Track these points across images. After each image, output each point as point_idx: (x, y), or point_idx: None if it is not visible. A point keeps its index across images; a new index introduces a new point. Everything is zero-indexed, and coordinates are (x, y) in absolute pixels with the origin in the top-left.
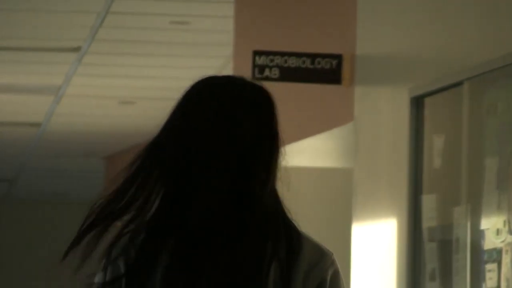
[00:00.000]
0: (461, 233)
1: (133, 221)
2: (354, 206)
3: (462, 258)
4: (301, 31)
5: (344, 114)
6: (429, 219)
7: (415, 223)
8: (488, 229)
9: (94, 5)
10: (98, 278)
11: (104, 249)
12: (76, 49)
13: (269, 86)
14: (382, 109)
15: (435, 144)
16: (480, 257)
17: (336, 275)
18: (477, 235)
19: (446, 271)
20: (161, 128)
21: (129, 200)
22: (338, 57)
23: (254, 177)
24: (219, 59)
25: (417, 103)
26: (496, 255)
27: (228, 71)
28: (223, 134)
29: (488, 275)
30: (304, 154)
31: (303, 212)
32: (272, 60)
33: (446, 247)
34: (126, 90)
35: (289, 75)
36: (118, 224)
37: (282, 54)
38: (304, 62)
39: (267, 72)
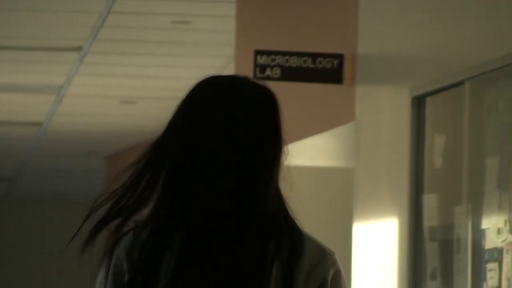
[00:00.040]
0: (462, 232)
1: (131, 219)
2: (355, 205)
3: (463, 258)
4: (303, 30)
5: (345, 114)
6: (430, 219)
7: (416, 222)
8: (489, 228)
9: (96, 5)
10: (100, 277)
11: (107, 247)
12: (78, 49)
13: (271, 85)
14: (383, 109)
15: (436, 143)
16: (481, 256)
17: (337, 275)
18: (478, 234)
19: (447, 271)
20: (165, 127)
21: (138, 197)
22: (340, 57)
23: (257, 177)
24: (220, 58)
25: (418, 102)
26: (497, 255)
27: (229, 70)
28: (225, 134)
29: (489, 274)
30: (305, 154)
31: (304, 211)
32: (273, 60)
33: (447, 247)
34: (127, 90)
35: (290, 74)
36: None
37: (284, 53)
38: (305, 61)
39: (268, 72)
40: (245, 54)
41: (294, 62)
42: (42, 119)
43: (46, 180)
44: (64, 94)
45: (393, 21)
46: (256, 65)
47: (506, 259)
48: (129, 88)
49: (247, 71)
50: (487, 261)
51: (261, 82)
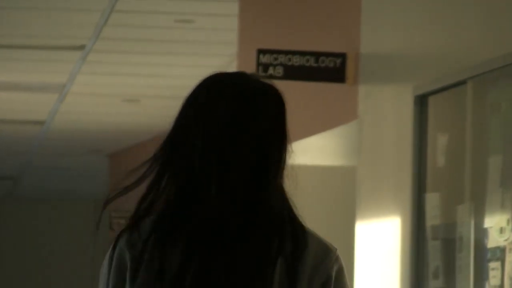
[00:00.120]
0: (465, 231)
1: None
2: (358, 204)
3: (465, 257)
4: (305, 29)
5: (348, 113)
6: (432, 217)
7: (419, 221)
8: (491, 227)
9: (99, 3)
10: (104, 269)
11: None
12: (81, 47)
13: None
14: (386, 108)
15: (439, 142)
16: (484, 255)
17: (340, 272)
18: (481, 233)
19: (449, 269)
20: (171, 125)
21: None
22: (342, 56)
23: (264, 175)
24: (223, 57)
25: (421, 101)
26: (500, 254)
27: (232, 69)
28: (231, 132)
29: (491, 273)
30: (308, 152)
31: (307, 210)
32: (276, 59)
33: (450, 245)
34: (130, 88)
35: (293, 73)
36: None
37: (286, 52)
38: (308, 60)
39: (271, 71)
40: (247, 52)
41: (296, 61)
42: (45, 118)
43: (48, 178)
44: (66, 92)
45: (396, 20)
46: (258, 63)
47: (508, 258)
48: (132, 86)
49: (250, 70)
50: (490, 260)
51: (268, 80)
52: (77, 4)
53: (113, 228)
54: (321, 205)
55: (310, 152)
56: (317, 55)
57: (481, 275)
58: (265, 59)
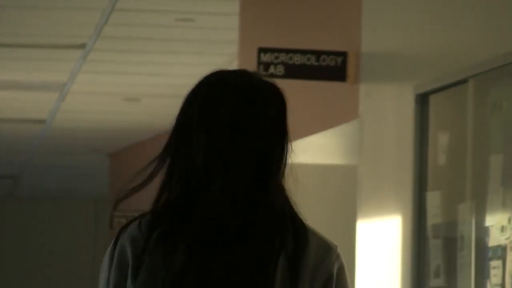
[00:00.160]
0: (466, 230)
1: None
2: (359, 203)
3: (466, 255)
4: (306, 28)
5: (349, 111)
6: (433, 216)
7: (420, 220)
8: (492, 226)
9: (99, 2)
10: (105, 264)
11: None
12: (81, 46)
13: None
14: (387, 107)
15: (440, 141)
16: (485, 254)
17: (341, 270)
18: (482, 232)
19: (450, 268)
20: (173, 125)
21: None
22: (343, 54)
23: (265, 173)
24: (224, 56)
25: (422, 100)
26: (501, 252)
27: (233, 68)
28: (232, 131)
29: (492, 272)
30: (309, 151)
31: (308, 209)
32: (277, 57)
33: (451, 244)
34: (131, 87)
35: (294, 72)
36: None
37: (287, 51)
38: (309, 59)
39: (272, 69)
40: (248, 51)
41: (297, 59)
42: (46, 117)
43: (49, 177)
44: (67, 91)
45: (397, 19)
46: (259, 62)
47: (509, 256)
48: (133, 85)
49: (251, 69)
50: (491, 259)
51: (269, 79)
52: (78, 3)
53: (113, 227)
54: (322, 204)
55: (311, 151)
56: (318, 53)
57: (482, 274)
58: (266, 58)
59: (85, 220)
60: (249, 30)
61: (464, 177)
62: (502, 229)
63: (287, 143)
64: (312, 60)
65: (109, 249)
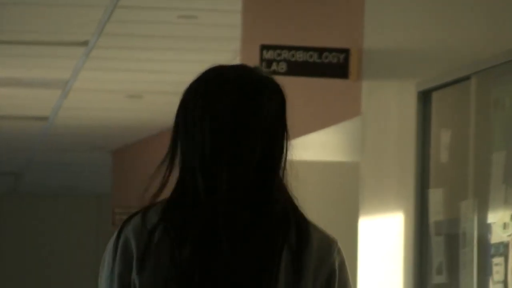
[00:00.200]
0: (468, 227)
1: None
2: (361, 200)
3: (469, 252)
4: (309, 25)
5: (351, 108)
6: (436, 213)
7: (422, 217)
8: (495, 223)
9: None
10: (108, 256)
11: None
12: (84, 43)
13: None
14: (389, 104)
15: (442, 138)
16: (487, 251)
17: (342, 265)
18: (484, 229)
19: (453, 265)
20: (174, 120)
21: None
22: (346, 51)
23: (265, 172)
24: (226, 53)
25: (425, 97)
26: (503, 249)
27: None
28: (231, 127)
29: (495, 268)
30: (311, 148)
31: (310, 206)
32: (279, 54)
33: (453, 241)
34: (133, 84)
35: (296, 69)
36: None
37: (290, 48)
38: (311, 56)
39: (274, 66)
40: (251, 48)
41: (300, 56)
42: (48, 114)
43: (52, 174)
44: (70, 88)
45: (399, 16)
46: (262, 59)
47: (511, 253)
48: (135, 82)
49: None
50: (493, 256)
51: (268, 74)
52: (81, 0)
53: (116, 224)
54: (324, 201)
55: (313, 148)
56: (320, 50)
57: (484, 271)
58: (268, 55)
59: (87, 217)
60: (252, 27)
61: (466, 174)
62: (504, 226)
63: (287, 139)
64: (315, 57)
65: (111, 241)
